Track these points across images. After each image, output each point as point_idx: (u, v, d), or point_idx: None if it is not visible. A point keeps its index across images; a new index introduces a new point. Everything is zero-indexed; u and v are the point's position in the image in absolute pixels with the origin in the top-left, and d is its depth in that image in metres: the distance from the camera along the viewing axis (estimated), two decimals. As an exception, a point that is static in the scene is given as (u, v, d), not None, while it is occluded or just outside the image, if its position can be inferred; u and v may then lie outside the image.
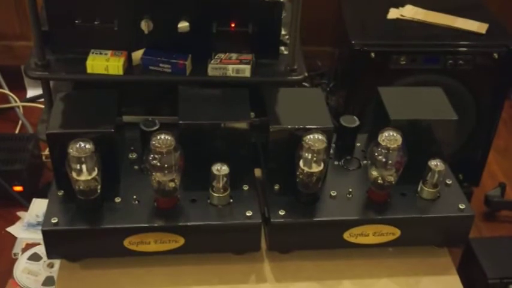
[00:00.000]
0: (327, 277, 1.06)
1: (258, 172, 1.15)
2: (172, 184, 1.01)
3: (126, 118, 1.19)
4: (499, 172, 1.87)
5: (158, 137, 0.99)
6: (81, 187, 1.00)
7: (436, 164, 1.06)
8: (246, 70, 1.34)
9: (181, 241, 1.02)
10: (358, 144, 1.18)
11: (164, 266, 1.05)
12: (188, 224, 1.02)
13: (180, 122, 1.05)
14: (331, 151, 1.14)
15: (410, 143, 1.03)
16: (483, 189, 1.75)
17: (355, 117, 1.16)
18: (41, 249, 1.39)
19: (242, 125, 1.07)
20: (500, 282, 1.40)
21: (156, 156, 0.98)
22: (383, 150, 1.02)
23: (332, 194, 1.07)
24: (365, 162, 1.12)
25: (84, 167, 0.99)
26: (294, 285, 1.05)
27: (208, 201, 1.04)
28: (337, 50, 1.69)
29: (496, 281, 1.40)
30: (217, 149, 1.07)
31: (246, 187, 1.07)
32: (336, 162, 1.14)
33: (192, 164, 1.03)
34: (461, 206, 1.07)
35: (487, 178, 1.79)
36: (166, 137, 0.99)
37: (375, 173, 1.04)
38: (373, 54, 1.43)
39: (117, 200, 1.04)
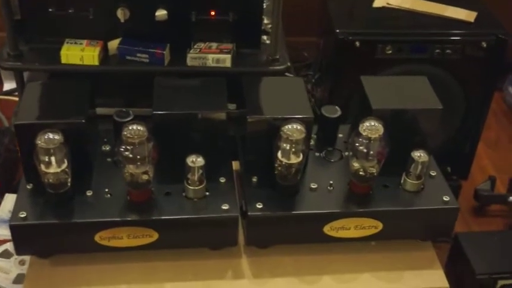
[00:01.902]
0: (306, 273, 1.05)
1: (237, 166, 1.13)
2: (145, 176, 1.00)
3: (101, 110, 1.17)
4: (489, 165, 1.86)
5: (130, 127, 0.97)
6: (50, 180, 0.98)
7: (419, 155, 1.05)
8: (226, 60, 1.32)
9: (155, 236, 1.00)
10: (340, 135, 1.17)
11: (137, 261, 1.03)
12: (162, 217, 1.00)
13: (154, 112, 1.03)
14: (312, 142, 1.14)
15: (393, 134, 1.02)
16: (473, 183, 1.73)
17: (336, 107, 1.15)
18: (12, 246, 1.36)
19: (218, 115, 1.05)
20: (489, 278, 1.39)
21: (128, 147, 0.97)
22: (364, 141, 1.01)
23: (312, 186, 1.06)
24: (347, 153, 1.10)
25: (53, 159, 0.97)
26: (272, 281, 1.04)
27: (183, 194, 1.03)
28: (322, 40, 1.68)
29: (485, 276, 1.39)
30: (192, 140, 1.05)
31: (222, 179, 1.06)
32: (317, 154, 1.13)
33: (167, 156, 1.02)
34: (446, 198, 1.06)
35: (476, 172, 1.78)
36: (139, 127, 0.97)
37: (356, 165, 1.03)
38: (358, 44, 1.41)
39: (89, 193, 1.02)
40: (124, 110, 1.10)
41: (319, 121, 1.15)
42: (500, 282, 1.39)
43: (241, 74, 1.30)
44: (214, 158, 1.03)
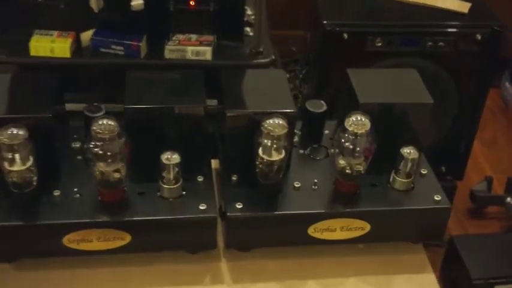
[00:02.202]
0: (290, 277, 1.03)
1: (216, 164, 1.12)
2: (117, 175, 0.97)
3: (72, 106, 1.15)
4: (485, 165, 1.86)
5: (100, 122, 0.95)
6: (14, 179, 0.96)
7: (409, 151, 1.03)
8: (206, 53, 1.31)
9: (127, 238, 0.98)
10: (326, 132, 1.15)
11: (108, 266, 1.02)
12: (135, 219, 0.98)
13: (126, 106, 1.01)
14: (297, 139, 1.12)
15: (382, 129, 1.01)
16: (469, 183, 1.73)
17: (322, 101, 1.14)
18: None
19: (195, 109, 1.03)
20: (485, 283, 1.39)
21: (98, 143, 0.95)
22: (350, 136, 0.99)
23: (296, 185, 1.04)
24: (333, 150, 1.08)
25: (17, 156, 0.94)
26: (254, 286, 1.02)
27: (158, 193, 1.01)
28: (309, 33, 1.66)
29: (481, 281, 1.38)
30: (168, 137, 1.03)
31: (200, 178, 1.04)
32: (301, 151, 1.11)
33: (141, 153, 0.99)
34: (437, 198, 1.04)
35: (472, 172, 1.78)
36: (109, 122, 0.95)
37: (342, 162, 1.02)
38: (346, 36, 1.41)
39: (56, 193, 1.00)
40: (95, 104, 1.08)
41: (303, 116, 1.14)
42: (497, 288, 1.39)
43: (222, 68, 1.29)
44: (192, 155, 1.01)
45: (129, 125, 1.00)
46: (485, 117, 1.68)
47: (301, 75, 1.74)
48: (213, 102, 1.13)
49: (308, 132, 1.14)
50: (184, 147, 1.01)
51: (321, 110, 1.12)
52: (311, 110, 1.12)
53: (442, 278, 1.42)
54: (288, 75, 1.79)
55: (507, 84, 2.09)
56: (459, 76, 1.48)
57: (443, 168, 1.59)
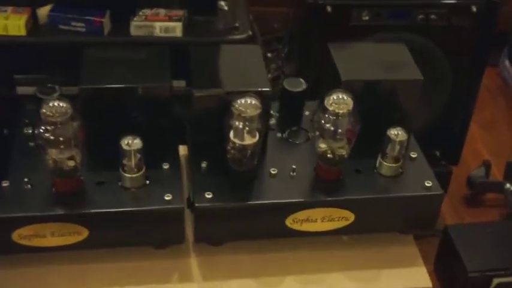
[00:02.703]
0: (266, 273, 1.01)
1: (185, 151, 1.09)
2: (71, 163, 0.94)
3: (28, 89, 1.12)
4: (483, 149, 1.83)
5: (50, 104, 0.91)
6: (-43, 169, 0.92)
7: (396, 133, 1.01)
8: (176, 29, 1.28)
9: (85, 233, 0.95)
10: (307, 113, 1.12)
11: (64, 264, 0.99)
12: (93, 211, 0.95)
13: (82, 86, 0.97)
14: (274, 121, 1.10)
15: (366, 109, 0.98)
16: (465, 169, 1.71)
17: (301, 79, 1.10)
18: None
19: (159, 90, 0.99)
20: (482, 276, 1.36)
21: (49, 127, 0.91)
22: (331, 117, 0.96)
23: (272, 172, 1.01)
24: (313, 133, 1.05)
25: (-42, 143, 0.91)
26: (227, 283, 1.00)
27: (119, 183, 0.98)
28: (292, 8, 1.63)
29: (478, 274, 1.36)
30: (129, 120, 1.00)
31: (166, 166, 1.01)
32: (279, 135, 1.09)
33: (100, 139, 0.97)
34: (428, 184, 1.02)
35: (469, 156, 1.75)
36: (61, 104, 0.91)
37: (323, 145, 0.99)
38: (329, 8, 1.36)
39: (5, 184, 0.96)
40: (49, 85, 1.04)
41: (281, 96, 1.10)
42: (496, 280, 1.36)
43: (194, 45, 1.25)
44: (157, 140, 0.98)
45: (86, 108, 0.96)
46: (483, 98, 1.66)
47: (283, 54, 1.70)
48: (182, 83, 1.10)
49: (286, 113, 1.11)
50: (148, 131, 0.97)
51: (300, 89, 1.09)
52: (289, 89, 1.09)
53: (437, 271, 1.39)
54: (270, 55, 1.76)
55: (506, 62, 2.06)
56: (453, 52, 1.44)
57: (438, 153, 1.57)
